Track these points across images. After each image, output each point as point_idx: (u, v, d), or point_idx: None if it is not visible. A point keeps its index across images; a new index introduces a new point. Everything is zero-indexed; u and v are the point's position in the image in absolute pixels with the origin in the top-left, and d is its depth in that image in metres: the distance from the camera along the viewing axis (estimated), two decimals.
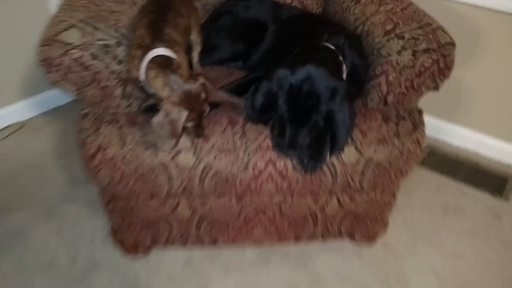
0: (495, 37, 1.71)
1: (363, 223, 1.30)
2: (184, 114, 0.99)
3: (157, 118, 0.98)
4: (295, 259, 1.38)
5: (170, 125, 0.99)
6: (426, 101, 1.93)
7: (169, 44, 1.05)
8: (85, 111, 1.11)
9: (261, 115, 1.10)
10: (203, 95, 1.02)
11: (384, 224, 1.41)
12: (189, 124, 1.03)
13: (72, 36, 1.01)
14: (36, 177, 1.61)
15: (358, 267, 1.36)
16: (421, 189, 1.68)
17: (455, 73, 1.89)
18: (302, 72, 1.03)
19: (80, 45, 1.01)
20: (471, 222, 1.56)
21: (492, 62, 1.75)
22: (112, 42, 1.05)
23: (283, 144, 1.06)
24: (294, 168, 1.09)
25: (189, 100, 1.00)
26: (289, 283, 1.31)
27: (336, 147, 1.07)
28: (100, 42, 1.03)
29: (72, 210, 1.49)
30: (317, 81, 1.03)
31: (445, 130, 1.95)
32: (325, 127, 1.05)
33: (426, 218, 1.56)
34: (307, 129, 1.04)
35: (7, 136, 1.79)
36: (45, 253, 1.35)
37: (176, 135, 1.01)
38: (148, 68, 1.02)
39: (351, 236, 1.36)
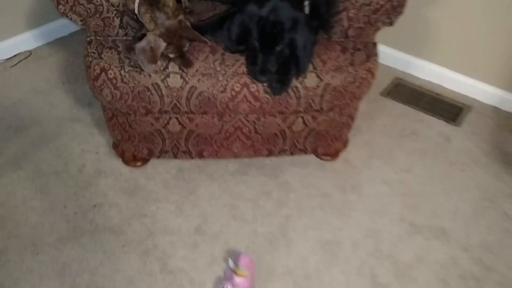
0: None
1: (325, 140, 1.55)
2: (163, 44, 1.19)
3: (140, 44, 1.19)
4: (269, 170, 1.64)
5: (151, 52, 1.19)
6: (396, 38, 2.13)
7: None
8: (89, 38, 1.31)
9: (238, 45, 1.30)
10: (179, 31, 1.21)
11: (344, 143, 1.66)
12: (171, 55, 1.23)
13: None
14: (46, 100, 1.83)
15: (320, 177, 1.63)
16: (384, 116, 1.92)
17: (424, 11, 2.08)
18: (268, 6, 1.23)
19: None
20: (423, 143, 1.81)
21: (457, 1, 1.92)
22: None
23: (256, 70, 1.27)
24: (265, 91, 1.31)
25: (168, 34, 1.19)
26: (262, 189, 1.58)
27: (300, 70, 1.29)
28: None
29: (79, 128, 1.73)
30: (281, 13, 1.23)
31: (413, 65, 2.15)
32: (290, 55, 1.26)
33: (384, 140, 1.81)
34: (275, 56, 1.25)
35: (17, 63, 1.99)
36: (58, 163, 1.60)
37: (155, 61, 1.21)
38: (140, 4, 1.20)
39: (315, 152, 1.61)
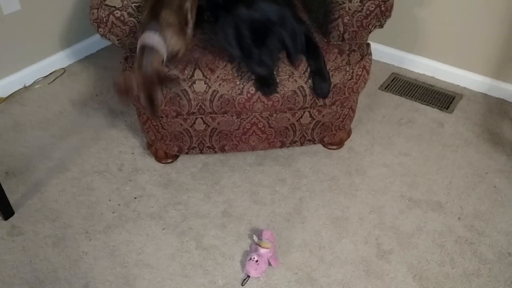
0: None
1: (330, 131, 1.77)
2: (135, 85, 1.32)
3: (117, 80, 1.33)
4: (282, 160, 1.87)
5: (125, 86, 1.32)
6: (391, 37, 2.36)
7: (162, 27, 1.34)
8: (126, 55, 1.55)
9: (237, 44, 1.45)
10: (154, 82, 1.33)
11: (348, 132, 1.89)
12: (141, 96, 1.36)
13: (114, 1, 1.43)
14: (83, 111, 2.08)
15: (328, 164, 1.85)
16: (382, 107, 2.14)
17: (414, 11, 2.32)
18: (255, 6, 1.41)
19: (120, 7, 1.43)
20: (419, 130, 2.03)
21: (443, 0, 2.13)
22: (143, 3, 1.46)
23: (253, 63, 1.45)
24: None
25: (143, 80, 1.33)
26: (278, 176, 1.80)
27: (292, 60, 1.47)
28: (134, 4, 1.45)
29: (115, 133, 1.97)
30: (268, 11, 1.41)
31: (407, 60, 2.37)
32: (282, 46, 1.44)
33: (383, 128, 2.03)
34: (268, 49, 1.43)
35: (54, 80, 2.24)
36: (100, 164, 1.84)
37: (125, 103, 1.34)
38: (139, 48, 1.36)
39: (322, 142, 1.84)
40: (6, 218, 1.59)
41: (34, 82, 2.21)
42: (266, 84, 1.48)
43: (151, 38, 1.32)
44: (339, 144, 1.89)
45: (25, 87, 2.17)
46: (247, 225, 1.62)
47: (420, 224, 1.63)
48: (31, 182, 1.74)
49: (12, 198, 1.63)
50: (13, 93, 2.13)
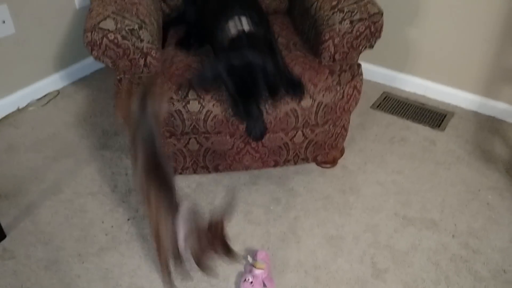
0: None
1: (323, 149, 1.78)
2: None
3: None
4: (276, 179, 1.87)
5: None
6: (382, 57, 2.40)
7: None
8: (119, 77, 1.56)
9: (212, 83, 1.46)
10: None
11: (341, 151, 1.90)
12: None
13: (108, 24, 1.45)
14: (76, 132, 2.08)
15: (322, 183, 1.86)
16: (375, 126, 2.16)
17: (405, 31, 2.37)
18: (237, 56, 1.37)
19: (114, 30, 1.45)
20: (411, 148, 2.04)
21: (433, 20, 2.18)
22: (135, 26, 1.48)
23: (240, 112, 1.45)
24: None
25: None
26: (272, 195, 1.80)
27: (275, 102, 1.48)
28: (127, 27, 1.47)
29: (108, 154, 1.97)
30: (252, 61, 1.36)
31: (398, 79, 2.41)
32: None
33: (376, 147, 2.04)
34: (254, 101, 1.42)
35: (48, 102, 2.25)
36: (93, 185, 1.83)
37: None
38: None
39: (315, 160, 1.84)
40: None
41: (28, 104, 2.21)
42: (255, 130, 1.49)
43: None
44: (333, 162, 1.90)
45: (18, 110, 2.17)
46: (241, 245, 1.61)
47: (415, 242, 1.63)
48: (24, 204, 1.73)
49: (4, 221, 1.62)
50: (7, 115, 2.13)
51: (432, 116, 2.23)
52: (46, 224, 1.66)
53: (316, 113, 1.59)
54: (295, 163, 1.81)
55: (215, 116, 1.55)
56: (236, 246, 1.59)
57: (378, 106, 2.28)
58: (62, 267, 1.52)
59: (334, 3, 1.62)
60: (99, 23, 1.45)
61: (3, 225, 1.59)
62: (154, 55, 1.54)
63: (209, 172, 1.79)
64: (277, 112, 1.55)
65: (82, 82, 2.40)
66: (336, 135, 1.76)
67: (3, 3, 1.96)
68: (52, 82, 2.30)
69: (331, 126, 1.70)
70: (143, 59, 1.54)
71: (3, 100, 2.13)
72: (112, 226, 1.66)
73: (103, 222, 1.68)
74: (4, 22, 1.99)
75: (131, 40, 1.48)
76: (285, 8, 2.02)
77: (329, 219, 1.71)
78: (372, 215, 1.73)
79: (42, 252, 1.56)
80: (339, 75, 1.60)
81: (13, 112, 2.16)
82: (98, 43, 1.46)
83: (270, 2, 1.99)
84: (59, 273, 1.50)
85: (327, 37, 1.60)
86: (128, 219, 1.69)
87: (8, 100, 2.14)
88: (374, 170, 1.92)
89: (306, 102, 1.56)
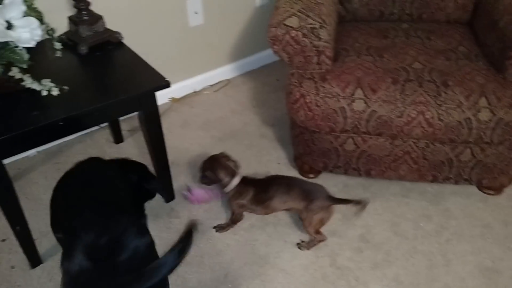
0: None
1: (491, 173, 1.64)
2: None
3: None
4: (430, 197, 1.78)
5: None
6: None
7: None
8: (293, 71, 1.66)
9: None
10: None
11: (510, 178, 1.71)
12: None
13: (292, 22, 1.55)
14: (240, 119, 2.27)
15: (482, 209, 1.71)
16: None
17: None
18: None
19: (297, 27, 1.55)
20: None
21: None
22: (317, 25, 1.56)
23: None
24: (439, 118, 1.48)
25: None
26: (423, 212, 1.72)
27: None
28: (309, 26, 1.55)
29: (266, 143, 2.10)
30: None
31: None
32: None
33: None
34: None
35: (219, 89, 2.50)
36: (248, 169, 1.96)
37: None
38: None
39: (479, 183, 1.70)
40: (167, 201, 1.81)
41: (203, 88, 2.49)
42: None
43: None
44: (498, 189, 1.73)
45: (194, 92, 2.46)
46: (384, 255, 1.57)
47: None
48: (190, 173, 1.95)
49: (174, 185, 1.85)
50: (185, 95, 2.43)
51: None
52: None
53: (494, 129, 1.47)
54: (456, 183, 1.70)
55: (379, 117, 1.54)
56: (379, 254, 1.57)
57: None
58: (217, 234, 1.68)
59: None
60: (284, 19, 1.56)
61: (173, 188, 1.82)
62: (328, 54, 1.60)
63: (360, 175, 1.79)
64: (450, 119, 1.48)
65: (250, 74, 2.60)
66: (509, 160, 1.60)
67: None
68: (225, 71, 2.55)
69: (505, 149, 1.55)
70: (317, 57, 1.61)
71: (184, 82, 2.42)
72: None
73: None
74: (196, 13, 2.26)
75: (310, 38, 1.56)
76: (467, 18, 1.91)
77: (486, 249, 1.57)
78: None
79: (201, 217, 1.75)
80: None
81: (190, 94, 2.45)
82: (280, 38, 1.57)
83: (453, 11, 1.89)
84: (213, 239, 1.66)
85: None
86: None
87: (187, 82, 2.43)
88: None
89: (485, 115, 1.46)
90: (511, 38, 1.50)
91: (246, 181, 1.63)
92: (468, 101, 1.48)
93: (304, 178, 1.86)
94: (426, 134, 1.53)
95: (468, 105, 1.47)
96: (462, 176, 1.67)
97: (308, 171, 1.88)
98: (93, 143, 2.10)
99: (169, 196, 1.81)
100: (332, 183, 1.86)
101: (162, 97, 2.34)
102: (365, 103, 1.54)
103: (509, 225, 1.64)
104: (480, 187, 1.76)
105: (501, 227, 1.64)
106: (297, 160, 1.91)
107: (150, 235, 1.16)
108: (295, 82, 1.64)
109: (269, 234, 1.67)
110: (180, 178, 1.93)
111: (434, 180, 1.71)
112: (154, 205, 1.77)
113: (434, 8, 1.91)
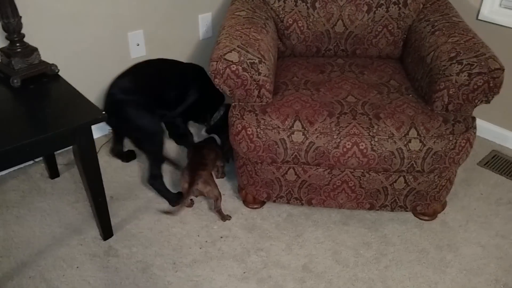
0: None
1: (424, 200, 1.72)
2: None
3: None
4: (369, 223, 1.84)
5: None
6: (495, 114, 2.28)
7: None
8: (235, 104, 1.68)
9: None
10: None
11: (442, 205, 1.82)
12: None
13: (232, 56, 1.59)
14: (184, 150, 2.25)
15: (418, 235, 1.79)
16: (480, 184, 2.04)
17: None
18: None
19: (237, 62, 1.58)
20: None
21: None
22: (256, 60, 1.60)
23: None
24: (372, 149, 1.56)
25: None
26: (363, 239, 1.77)
27: None
28: (249, 61, 1.60)
29: None
30: None
31: (510, 138, 2.26)
32: None
33: (481, 206, 1.92)
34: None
35: None
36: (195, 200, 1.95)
37: None
38: None
39: (414, 210, 1.78)
40: (105, 238, 1.74)
41: None
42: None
43: None
44: (432, 215, 1.83)
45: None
46: (327, 284, 1.59)
47: None
48: (132, 208, 1.89)
49: (113, 221, 1.78)
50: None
51: None
52: (148, 229, 1.80)
53: (424, 158, 1.56)
54: (392, 210, 1.78)
55: (317, 148, 1.59)
56: (321, 284, 1.59)
57: (486, 164, 2.16)
58: (157, 272, 1.63)
59: (452, 54, 1.60)
60: (225, 54, 1.59)
61: (112, 225, 1.75)
62: (268, 87, 1.64)
63: (302, 204, 1.82)
64: (383, 149, 1.56)
65: None
66: (441, 187, 1.70)
67: (140, 29, 2.23)
68: None
69: (436, 177, 1.65)
70: (258, 91, 1.65)
71: None
72: (206, 241, 1.75)
73: (198, 236, 1.77)
74: (138, 45, 2.25)
75: (250, 72, 1.60)
76: (398, 54, 2.04)
77: (422, 273, 1.63)
78: (469, 277, 1.62)
79: (142, 255, 1.69)
80: (453, 125, 1.56)
81: None
82: (221, 72, 1.60)
83: (385, 47, 2.02)
84: (154, 277, 1.61)
85: (442, 87, 1.58)
86: (221, 237, 1.77)
87: None
88: (476, 230, 1.81)
89: (415, 145, 1.55)
90: (437, 73, 1.62)
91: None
92: (399, 132, 1.57)
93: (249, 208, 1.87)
94: (361, 164, 1.60)
95: (399, 136, 1.56)
96: (397, 203, 1.74)
97: (252, 201, 1.89)
98: (27, 178, 1.99)
99: (108, 233, 1.74)
100: (276, 212, 1.88)
101: (102, 129, 2.28)
102: (304, 135, 1.59)
103: (443, 250, 1.72)
104: (415, 214, 1.84)
105: (436, 252, 1.72)
106: (241, 191, 1.91)
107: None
108: (237, 114, 1.66)
109: (212, 268, 1.64)
110: (120, 213, 1.86)
111: (372, 207, 1.77)
112: (90, 244, 1.70)
113: (367, 44, 2.03)
